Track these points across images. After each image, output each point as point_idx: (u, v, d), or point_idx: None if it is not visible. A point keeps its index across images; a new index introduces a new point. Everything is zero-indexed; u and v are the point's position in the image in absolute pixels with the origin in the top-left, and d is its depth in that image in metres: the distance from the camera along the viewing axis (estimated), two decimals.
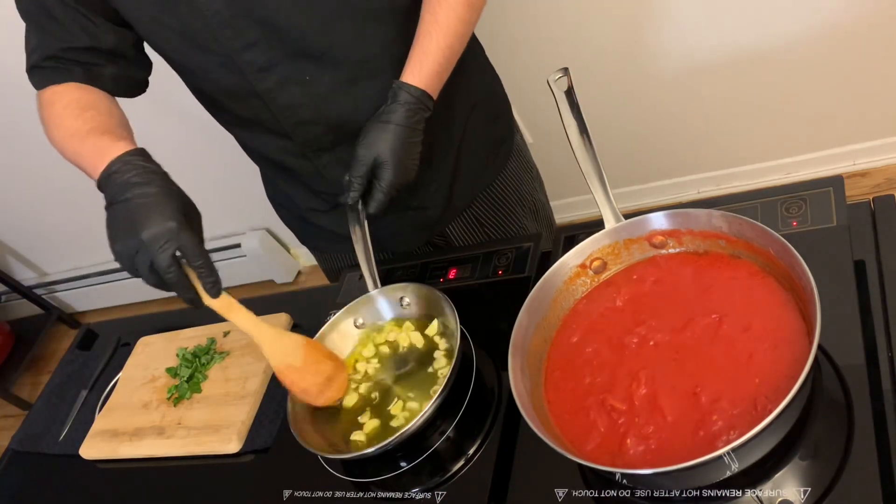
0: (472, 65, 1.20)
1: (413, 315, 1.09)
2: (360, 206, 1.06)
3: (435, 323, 1.05)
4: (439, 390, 0.92)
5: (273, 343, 0.98)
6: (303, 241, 1.40)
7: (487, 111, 1.26)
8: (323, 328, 1.09)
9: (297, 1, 0.97)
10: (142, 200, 0.87)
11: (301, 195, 1.26)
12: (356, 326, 1.11)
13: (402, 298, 1.09)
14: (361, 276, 1.11)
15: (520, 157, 1.35)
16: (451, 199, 1.25)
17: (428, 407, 0.91)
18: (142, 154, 0.93)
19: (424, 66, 1.01)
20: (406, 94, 1.00)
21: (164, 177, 0.92)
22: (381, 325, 1.11)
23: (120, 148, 0.92)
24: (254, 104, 1.07)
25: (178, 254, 0.87)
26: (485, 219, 1.32)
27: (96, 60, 1.05)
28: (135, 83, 1.12)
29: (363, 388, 1.05)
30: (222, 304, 0.93)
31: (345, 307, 1.10)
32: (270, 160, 1.21)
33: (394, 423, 0.98)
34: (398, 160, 1.00)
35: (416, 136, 1.02)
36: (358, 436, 0.98)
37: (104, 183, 0.91)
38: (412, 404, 0.99)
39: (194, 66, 1.04)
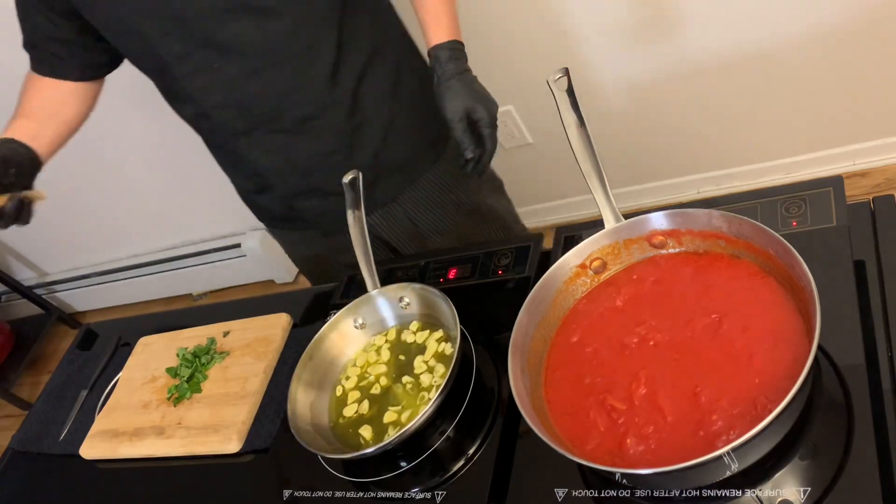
0: (393, 54, 1.25)
1: (413, 315, 1.09)
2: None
3: (440, 332, 1.05)
4: (439, 391, 0.92)
5: None
6: (259, 219, 1.48)
7: (416, 105, 1.28)
8: (323, 328, 1.09)
9: None
10: None
11: (236, 178, 1.37)
12: (356, 327, 1.11)
13: (401, 298, 1.09)
14: (361, 277, 1.11)
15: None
16: (373, 190, 1.28)
17: (428, 407, 0.91)
18: None
19: (442, 23, 1.13)
20: (444, 52, 1.12)
21: None
22: (387, 328, 1.12)
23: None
24: (182, 88, 1.17)
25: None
26: (414, 215, 1.36)
27: (60, 51, 1.19)
28: (100, 67, 1.25)
29: (370, 387, 1.05)
30: None
31: (345, 307, 1.10)
32: (209, 143, 1.33)
33: (393, 424, 0.98)
34: (478, 98, 1.11)
35: (470, 74, 1.14)
36: (365, 431, 0.99)
37: None
38: (411, 406, 0.99)
39: (136, 50, 1.17)
